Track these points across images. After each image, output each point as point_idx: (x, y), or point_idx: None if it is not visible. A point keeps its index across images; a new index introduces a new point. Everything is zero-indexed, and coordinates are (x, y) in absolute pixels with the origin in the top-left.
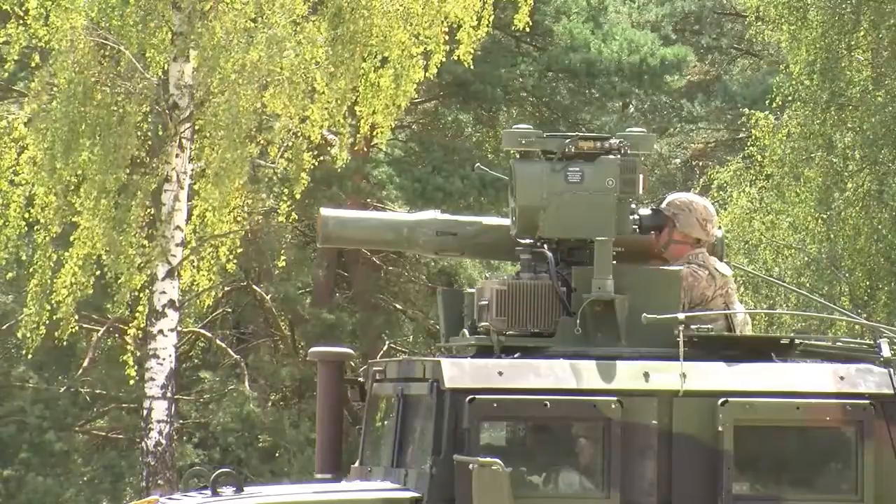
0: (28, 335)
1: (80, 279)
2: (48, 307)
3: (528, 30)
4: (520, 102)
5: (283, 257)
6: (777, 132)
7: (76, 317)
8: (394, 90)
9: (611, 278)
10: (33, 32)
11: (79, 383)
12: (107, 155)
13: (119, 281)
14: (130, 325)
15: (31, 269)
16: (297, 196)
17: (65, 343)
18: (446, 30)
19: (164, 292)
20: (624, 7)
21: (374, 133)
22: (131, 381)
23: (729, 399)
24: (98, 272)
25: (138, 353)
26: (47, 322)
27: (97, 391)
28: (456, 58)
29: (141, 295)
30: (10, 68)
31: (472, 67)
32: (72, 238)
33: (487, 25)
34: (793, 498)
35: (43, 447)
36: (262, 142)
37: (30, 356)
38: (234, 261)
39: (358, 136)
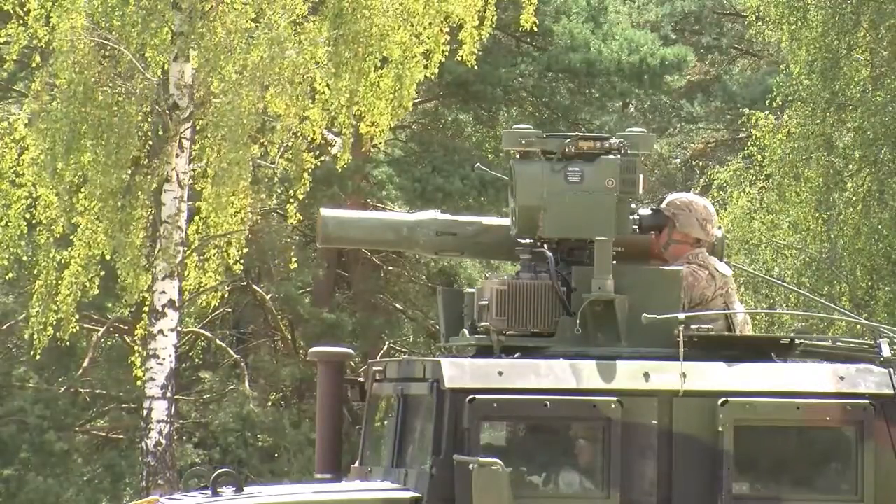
0: (35, 336)
1: (82, 279)
2: (54, 307)
3: (534, 30)
4: (520, 102)
5: (293, 259)
6: (777, 132)
7: (76, 317)
8: (397, 90)
9: (611, 278)
10: (33, 32)
11: (79, 383)
12: (109, 156)
13: (125, 282)
14: (138, 325)
15: (34, 271)
16: (300, 196)
17: (66, 343)
18: (447, 29)
19: (164, 292)
20: (624, 7)
21: (376, 133)
22: (139, 383)
23: (729, 399)
24: (102, 273)
25: (145, 354)
26: (53, 323)
27: (97, 391)
28: (459, 58)
29: (146, 296)
30: (10, 68)
31: (475, 68)
32: (72, 238)
33: (491, 26)
34: (793, 498)
35: (43, 447)
36: (263, 143)
37: (37, 357)
38: (241, 261)
39: (365, 136)
